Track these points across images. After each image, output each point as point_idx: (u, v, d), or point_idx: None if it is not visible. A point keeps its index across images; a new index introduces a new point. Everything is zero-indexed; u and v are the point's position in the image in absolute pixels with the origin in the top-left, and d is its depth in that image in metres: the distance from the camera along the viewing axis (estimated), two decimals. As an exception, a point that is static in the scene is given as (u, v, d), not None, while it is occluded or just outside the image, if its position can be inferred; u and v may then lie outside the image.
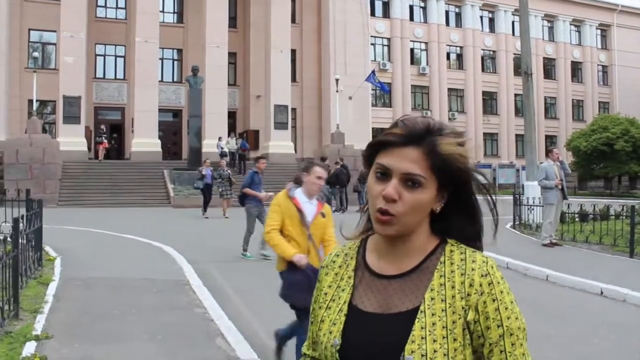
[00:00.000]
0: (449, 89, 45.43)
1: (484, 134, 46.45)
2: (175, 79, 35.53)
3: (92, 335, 5.65)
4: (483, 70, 47.25)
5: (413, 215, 1.20)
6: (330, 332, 1.26)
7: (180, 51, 35.76)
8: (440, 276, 1.21)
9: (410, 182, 1.19)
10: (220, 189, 18.88)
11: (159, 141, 31.29)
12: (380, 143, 1.23)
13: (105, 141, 28.73)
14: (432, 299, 1.19)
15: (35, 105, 27.31)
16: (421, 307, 1.19)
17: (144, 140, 30.22)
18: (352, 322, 1.25)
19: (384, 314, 1.22)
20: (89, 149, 29.75)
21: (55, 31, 30.82)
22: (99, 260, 10.10)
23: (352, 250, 1.36)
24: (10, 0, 30.59)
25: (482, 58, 47.37)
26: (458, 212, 1.26)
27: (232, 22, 35.44)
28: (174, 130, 35.28)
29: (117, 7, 34.99)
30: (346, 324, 1.25)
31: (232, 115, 35.02)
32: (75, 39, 29.47)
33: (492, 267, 1.21)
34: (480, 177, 1.25)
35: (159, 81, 32.28)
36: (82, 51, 29.97)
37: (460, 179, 1.22)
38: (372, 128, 36.28)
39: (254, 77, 35.40)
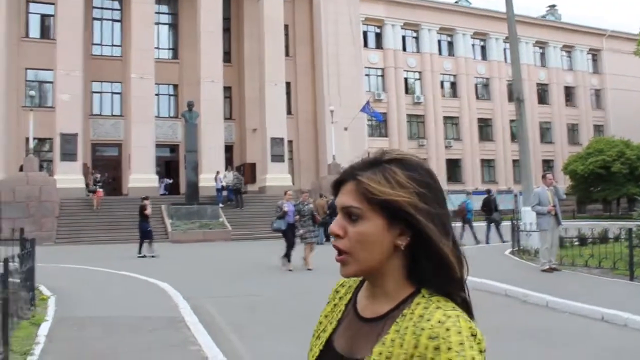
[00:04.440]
0: (444, 117, 45.75)
1: (481, 160, 46.60)
2: (171, 114, 35.71)
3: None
4: (477, 97, 47.67)
5: (364, 251, 1.13)
6: None
7: (175, 86, 36.01)
8: (396, 331, 1.09)
9: (350, 215, 1.14)
10: (302, 230, 13.86)
11: (156, 176, 31.31)
12: (334, 183, 1.21)
13: (101, 190, 28.50)
14: (380, 353, 1.08)
15: (32, 143, 27.37)
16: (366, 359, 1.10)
17: (141, 176, 30.19)
18: (323, 358, 1.21)
19: (345, 357, 1.16)
20: (87, 185, 29.73)
21: (51, 69, 31.04)
22: (94, 299, 9.99)
23: (355, 283, 1.30)
24: (7, 40, 30.86)
25: (476, 86, 47.83)
26: (425, 257, 1.13)
27: (227, 56, 35.80)
28: (171, 165, 35.32)
29: (112, 45, 35.32)
30: (319, 358, 1.21)
31: (229, 149, 35.13)
32: (71, 76, 29.66)
33: (447, 330, 1.03)
34: (419, 216, 1.11)
35: (155, 116, 32.42)
36: (79, 88, 30.14)
37: (398, 213, 1.12)
38: (370, 158, 36.30)
39: (250, 111, 35.62)
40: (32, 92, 29.24)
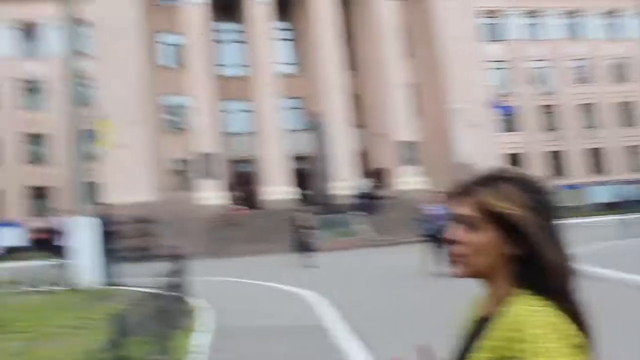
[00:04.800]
0: (579, 105, 43.03)
1: (624, 147, 43.31)
2: (299, 127, 36.51)
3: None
4: (614, 80, 44.34)
5: (477, 257, 1.28)
6: None
7: (301, 99, 36.80)
8: (495, 328, 1.24)
9: (467, 224, 1.29)
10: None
11: (291, 188, 32.22)
12: (455, 192, 1.36)
13: (242, 207, 29.77)
14: (482, 348, 1.24)
15: (176, 164, 29.10)
16: (471, 355, 1.27)
17: (277, 189, 31.17)
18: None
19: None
20: (231, 200, 31.17)
21: (183, 95, 32.93)
22: (244, 309, 10.37)
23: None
24: (140, 71, 33.11)
25: (610, 68, 44.49)
26: (531, 264, 1.26)
27: (349, 63, 36.08)
28: (304, 176, 36.12)
29: (236, 66, 36.77)
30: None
31: (358, 155, 35.34)
32: (202, 99, 31.41)
33: (523, 323, 1.18)
34: (530, 229, 1.25)
35: (285, 129, 33.37)
36: (211, 109, 31.79)
37: (510, 226, 1.26)
38: (501, 154, 35.04)
39: (376, 115, 35.61)
40: (170, 117, 31.24)
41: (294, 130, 35.56)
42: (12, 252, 31.20)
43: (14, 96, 41.61)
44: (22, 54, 41.87)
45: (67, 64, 14.96)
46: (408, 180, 31.99)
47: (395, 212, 28.39)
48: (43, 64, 40.42)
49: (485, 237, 1.27)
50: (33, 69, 41.06)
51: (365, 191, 29.47)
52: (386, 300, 10.77)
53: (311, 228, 18.74)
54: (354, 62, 37.19)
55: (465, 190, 1.33)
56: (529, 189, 1.30)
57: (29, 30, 41.89)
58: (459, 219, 1.31)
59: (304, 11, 35.19)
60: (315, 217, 27.11)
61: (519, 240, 1.25)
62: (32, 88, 41.66)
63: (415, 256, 15.97)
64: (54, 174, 38.74)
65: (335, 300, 10.42)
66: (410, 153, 32.83)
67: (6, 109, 41.06)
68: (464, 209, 1.30)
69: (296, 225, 18.60)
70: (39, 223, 35.99)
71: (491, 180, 1.32)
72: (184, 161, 33.62)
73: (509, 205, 1.26)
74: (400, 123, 32.91)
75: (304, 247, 18.44)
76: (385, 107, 33.87)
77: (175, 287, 8.78)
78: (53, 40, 38.97)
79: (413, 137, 33.29)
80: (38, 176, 40.37)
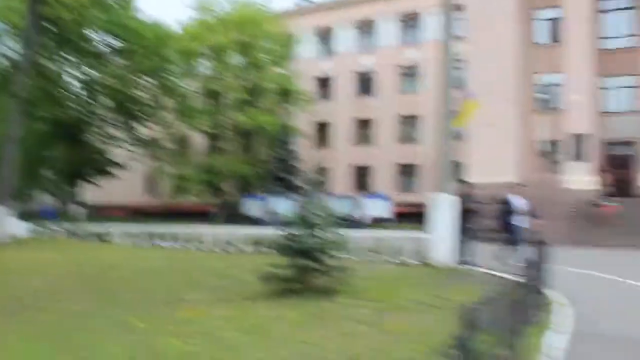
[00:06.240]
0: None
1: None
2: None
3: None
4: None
5: None
6: None
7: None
8: None
9: None
10: None
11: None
12: None
13: (613, 204, 26.40)
14: None
15: (543, 145, 27.65)
16: None
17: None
18: None
19: None
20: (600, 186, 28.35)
21: (558, 72, 30.81)
22: (607, 312, 8.83)
23: None
24: (515, 48, 32.09)
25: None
26: None
27: None
28: None
29: (624, 36, 32.64)
30: None
31: None
32: (580, 75, 28.90)
33: None
34: None
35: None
36: (588, 87, 29.11)
37: None
38: None
39: None
40: (543, 96, 29.65)
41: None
42: (378, 222, 33.81)
43: (394, 81, 45.35)
44: (403, 42, 45.40)
45: (443, 48, 15.13)
46: None
47: None
48: (421, 49, 43.18)
49: None
50: (412, 55, 44.17)
51: None
52: None
53: None
54: None
55: None
56: None
57: (410, 20, 45.12)
58: None
59: None
60: None
61: None
62: (409, 73, 44.79)
63: None
64: (423, 153, 40.96)
65: None
66: None
67: (387, 93, 45.15)
68: None
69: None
70: (405, 197, 38.58)
71: None
72: (553, 142, 31.65)
73: None
74: None
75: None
76: None
77: (534, 276, 7.86)
78: (431, 27, 41.20)
79: None
80: (408, 154, 43.32)
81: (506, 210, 13.81)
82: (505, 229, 13.65)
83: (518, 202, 13.92)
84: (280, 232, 9.08)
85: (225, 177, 44.30)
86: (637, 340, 6.99)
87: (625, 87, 32.10)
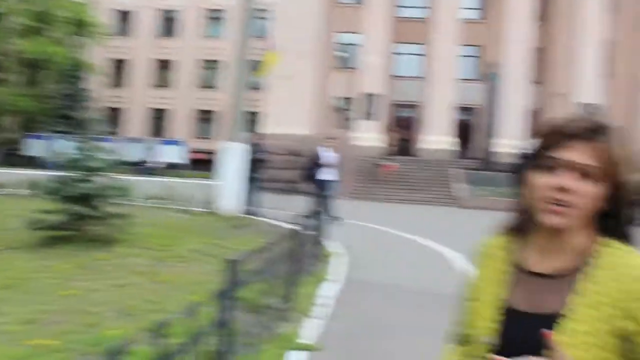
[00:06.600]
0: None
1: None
2: (472, 76, 34.28)
3: (367, 356, 4.94)
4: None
5: (582, 209, 1.19)
6: (481, 327, 1.27)
7: (479, 48, 34.44)
8: (592, 281, 1.17)
9: (583, 174, 1.17)
10: None
11: (450, 139, 30.73)
12: (554, 136, 1.22)
13: (392, 164, 28.73)
14: (579, 303, 1.16)
15: (338, 102, 28.96)
16: (564, 312, 1.16)
17: (435, 138, 30.06)
18: (504, 320, 1.23)
19: (534, 314, 1.20)
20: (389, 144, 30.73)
21: (358, 33, 32.28)
22: (376, 262, 9.56)
23: (502, 242, 1.34)
24: (319, 6, 32.87)
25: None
26: (617, 214, 1.21)
27: (539, 13, 32.82)
28: (468, 128, 34.21)
29: (417, 7, 35.13)
30: (503, 319, 1.23)
31: (531, 114, 32.52)
32: (376, 39, 30.57)
33: None
34: (629, 182, 1.20)
35: (456, 78, 31.69)
36: (383, 50, 30.92)
37: (621, 179, 1.19)
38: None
39: (558, 73, 32.33)
40: (342, 54, 30.91)
41: (464, 80, 33.49)
42: (172, 169, 32.97)
43: (199, 24, 43.90)
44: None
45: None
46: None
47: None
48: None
49: (598, 188, 1.18)
50: (218, -1, 42.97)
51: (531, 152, 27.01)
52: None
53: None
54: (545, 12, 33.69)
55: (585, 134, 1.20)
56: (628, 143, 1.24)
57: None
58: (576, 167, 1.18)
59: (495, -48, 32.55)
60: (463, 172, 25.75)
61: (612, 189, 1.19)
62: (215, 17, 43.66)
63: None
64: (222, 100, 40.53)
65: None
66: (590, 116, 29.47)
67: (191, 35, 43.62)
68: (585, 157, 1.18)
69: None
70: (202, 144, 38.04)
71: (603, 129, 1.20)
72: (347, 99, 33.29)
73: (626, 160, 1.19)
74: (585, 83, 29.61)
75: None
76: (571, 64, 30.62)
77: (315, 226, 8.16)
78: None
79: (597, 99, 29.85)
80: (207, 101, 42.73)
81: (314, 162, 13.95)
82: (311, 181, 13.79)
83: (328, 155, 14.10)
84: (54, 176, 8.32)
85: (4, 111, 39.68)
86: (395, 285, 7.71)
87: (414, 54, 34.76)
